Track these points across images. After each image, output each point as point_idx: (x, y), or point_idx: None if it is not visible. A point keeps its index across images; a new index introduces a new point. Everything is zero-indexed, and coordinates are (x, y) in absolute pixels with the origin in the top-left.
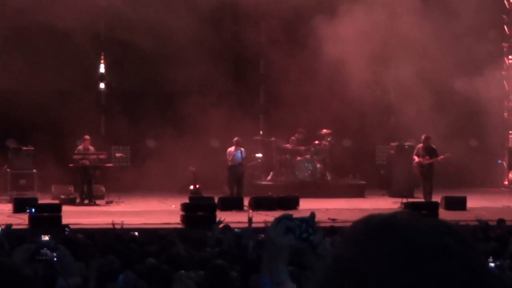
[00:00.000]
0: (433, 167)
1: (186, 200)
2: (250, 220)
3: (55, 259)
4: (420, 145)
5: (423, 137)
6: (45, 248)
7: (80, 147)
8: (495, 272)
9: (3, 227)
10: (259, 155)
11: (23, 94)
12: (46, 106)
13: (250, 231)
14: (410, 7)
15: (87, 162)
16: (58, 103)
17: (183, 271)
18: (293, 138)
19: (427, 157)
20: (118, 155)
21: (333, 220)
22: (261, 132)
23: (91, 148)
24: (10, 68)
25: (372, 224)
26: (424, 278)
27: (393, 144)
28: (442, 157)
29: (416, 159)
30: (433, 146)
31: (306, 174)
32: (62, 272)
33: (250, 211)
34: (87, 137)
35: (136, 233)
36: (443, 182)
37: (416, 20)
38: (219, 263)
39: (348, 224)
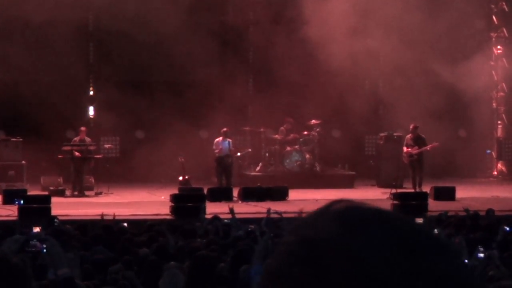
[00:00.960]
0: (423, 157)
1: (176, 191)
2: (232, 211)
3: (44, 250)
4: (409, 135)
5: (411, 127)
6: (34, 240)
7: (76, 138)
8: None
9: None
10: (248, 150)
11: (11, 85)
12: (35, 97)
13: (236, 220)
14: None
15: (79, 154)
16: (46, 94)
17: (173, 262)
18: (282, 128)
19: (416, 147)
20: (107, 146)
21: None
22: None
23: (88, 139)
24: (2, 59)
25: (313, 211)
26: (366, 239)
27: (382, 134)
28: (430, 146)
29: (405, 149)
30: (422, 135)
31: (295, 165)
32: (51, 264)
33: (240, 202)
34: (83, 128)
35: (126, 224)
36: (432, 173)
37: (404, 9)
38: (203, 254)
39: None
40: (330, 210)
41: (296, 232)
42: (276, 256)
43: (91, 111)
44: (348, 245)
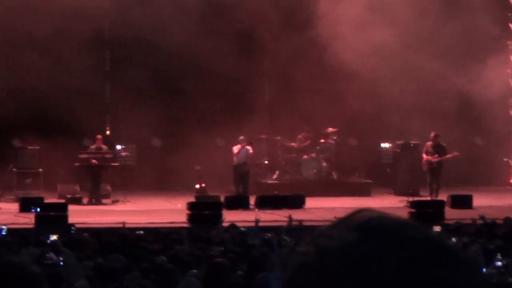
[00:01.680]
0: (442, 165)
1: (192, 199)
2: (257, 222)
3: (60, 263)
4: (430, 142)
5: (432, 135)
6: (50, 252)
7: (93, 146)
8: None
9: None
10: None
11: (28, 93)
12: (51, 105)
13: (256, 230)
14: (415, 3)
15: (96, 162)
16: (63, 102)
17: (194, 271)
18: (300, 136)
19: (436, 155)
20: (123, 154)
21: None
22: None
23: (104, 147)
24: (15, 67)
25: (333, 221)
26: (379, 249)
27: (398, 142)
28: (450, 155)
29: (425, 156)
30: (442, 144)
31: (312, 173)
32: (67, 276)
33: (257, 210)
34: (99, 136)
35: (142, 232)
36: (449, 181)
37: (421, 14)
38: (218, 262)
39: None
40: (349, 220)
41: (313, 241)
42: (291, 265)
43: (107, 119)
44: (361, 254)
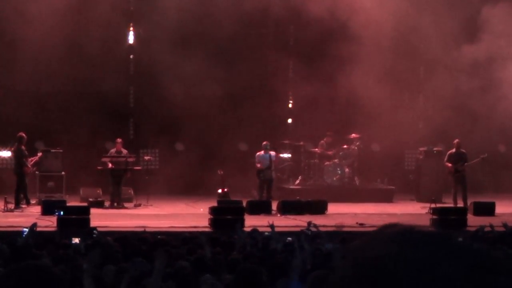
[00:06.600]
0: (466, 173)
1: (214, 204)
2: (272, 227)
3: None
4: (452, 150)
5: (455, 141)
6: None
7: (113, 150)
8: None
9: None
10: (287, 155)
11: (52, 96)
12: (74, 108)
13: (278, 234)
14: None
15: (112, 165)
16: (87, 106)
17: (208, 275)
18: (322, 142)
19: (460, 163)
20: (146, 158)
21: (361, 225)
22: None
23: (124, 151)
24: (40, 72)
25: (366, 236)
26: (424, 257)
27: (421, 149)
28: (477, 160)
29: (449, 165)
30: (463, 151)
31: (335, 179)
32: None
33: (278, 215)
34: (119, 140)
35: (164, 236)
36: (472, 188)
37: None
38: (249, 267)
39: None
40: (385, 233)
41: (351, 255)
42: (332, 281)
43: (131, 123)
44: (406, 262)
